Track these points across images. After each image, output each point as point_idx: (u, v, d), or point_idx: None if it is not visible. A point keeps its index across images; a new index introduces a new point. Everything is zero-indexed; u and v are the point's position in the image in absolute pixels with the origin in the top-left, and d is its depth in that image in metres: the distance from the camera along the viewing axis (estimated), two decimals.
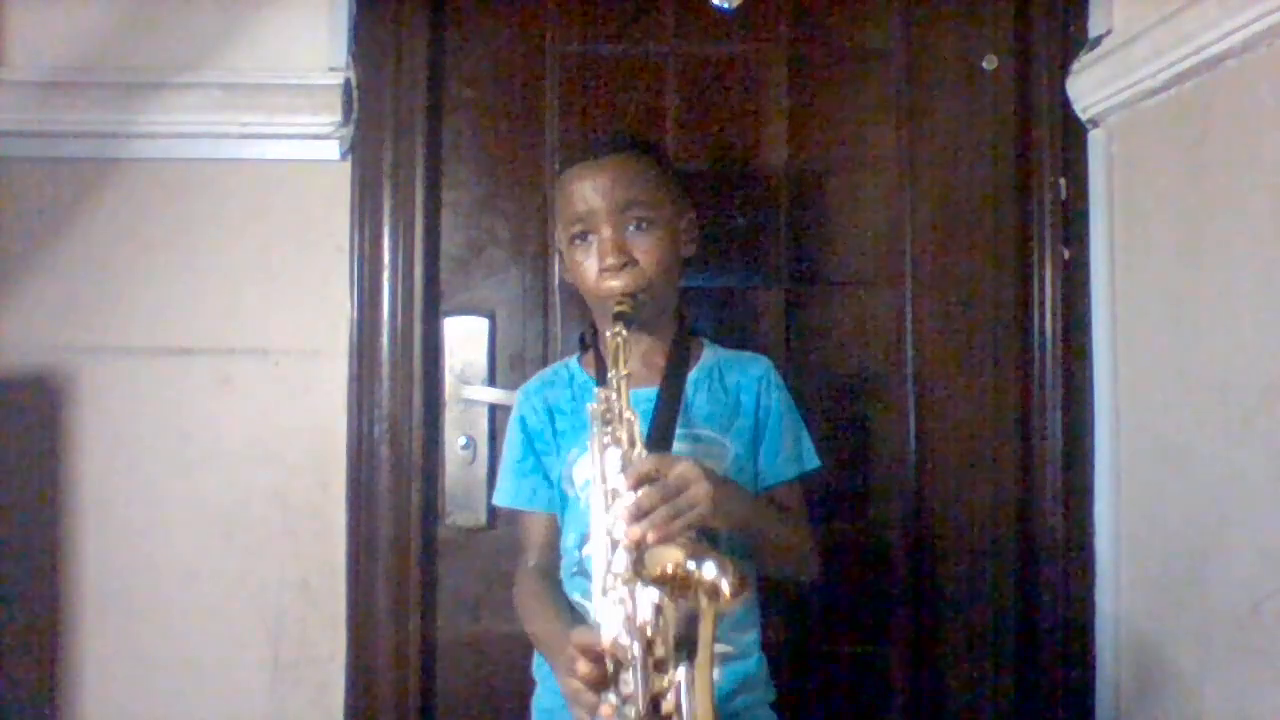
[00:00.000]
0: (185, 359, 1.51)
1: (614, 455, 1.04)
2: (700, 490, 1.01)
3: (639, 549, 0.97)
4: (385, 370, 1.52)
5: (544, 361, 1.53)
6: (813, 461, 1.27)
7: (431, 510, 1.53)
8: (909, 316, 1.56)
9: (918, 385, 1.55)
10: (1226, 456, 1.23)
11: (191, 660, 1.51)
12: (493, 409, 1.54)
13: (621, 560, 0.98)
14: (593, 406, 1.10)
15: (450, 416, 1.54)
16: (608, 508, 1.03)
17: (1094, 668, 1.51)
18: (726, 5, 1.56)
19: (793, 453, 1.25)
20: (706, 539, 1.11)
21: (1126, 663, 1.46)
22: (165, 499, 1.51)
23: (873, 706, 1.55)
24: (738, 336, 1.52)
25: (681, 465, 1.02)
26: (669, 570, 0.93)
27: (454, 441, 1.53)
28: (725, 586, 0.90)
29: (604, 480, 1.05)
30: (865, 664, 1.55)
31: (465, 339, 1.55)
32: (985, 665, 1.54)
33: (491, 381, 1.54)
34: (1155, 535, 1.40)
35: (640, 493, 0.99)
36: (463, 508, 1.53)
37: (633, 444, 1.04)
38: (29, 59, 1.49)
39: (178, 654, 1.50)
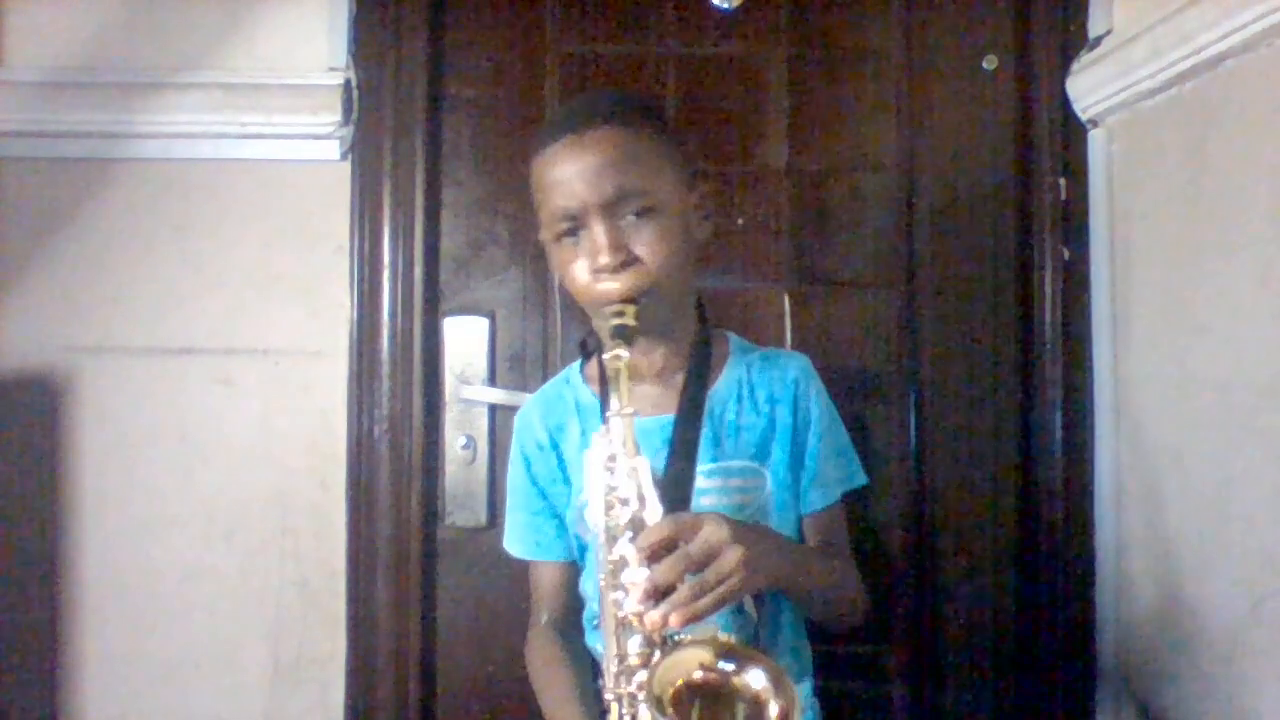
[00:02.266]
0: (185, 359, 1.51)
1: (620, 515, 0.88)
2: (732, 558, 0.84)
3: (660, 637, 0.83)
4: (385, 370, 1.52)
5: (544, 361, 1.53)
6: (859, 478, 1.14)
7: (431, 510, 1.53)
8: (909, 316, 1.56)
9: (918, 385, 1.55)
10: (1226, 456, 1.23)
11: (191, 660, 1.51)
12: (493, 409, 1.54)
13: (636, 649, 0.84)
14: (590, 454, 0.93)
15: (450, 416, 1.54)
16: (615, 581, 0.87)
17: (1094, 668, 1.51)
18: (726, 5, 1.56)
19: (836, 472, 1.11)
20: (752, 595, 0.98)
21: (1126, 663, 1.46)
22: (165, 499, 1.51)
23: (873, 706, 1.54)
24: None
25: (707, 528, 0.85)
26: (695, 676, 0.77)
27: (454, 441, 1.53)
28: (772, 708, 0.74)
29: (609, 547, 0.89)
30: (865, 664, 1.55)
31: (465, 339, 1.55)
32: (985, 665, 1.55)
33: (491, 381, 1.54)
34: (1155, 535, 1.40)
35: (657, 567, 0.83)
36: (463, 508, 1.53)
37: (642, 500, 0.87)
38: (29, 59, 1.49)
39: (178, 654, 1.50)
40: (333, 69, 1.51)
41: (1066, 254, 1.53)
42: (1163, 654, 1.37)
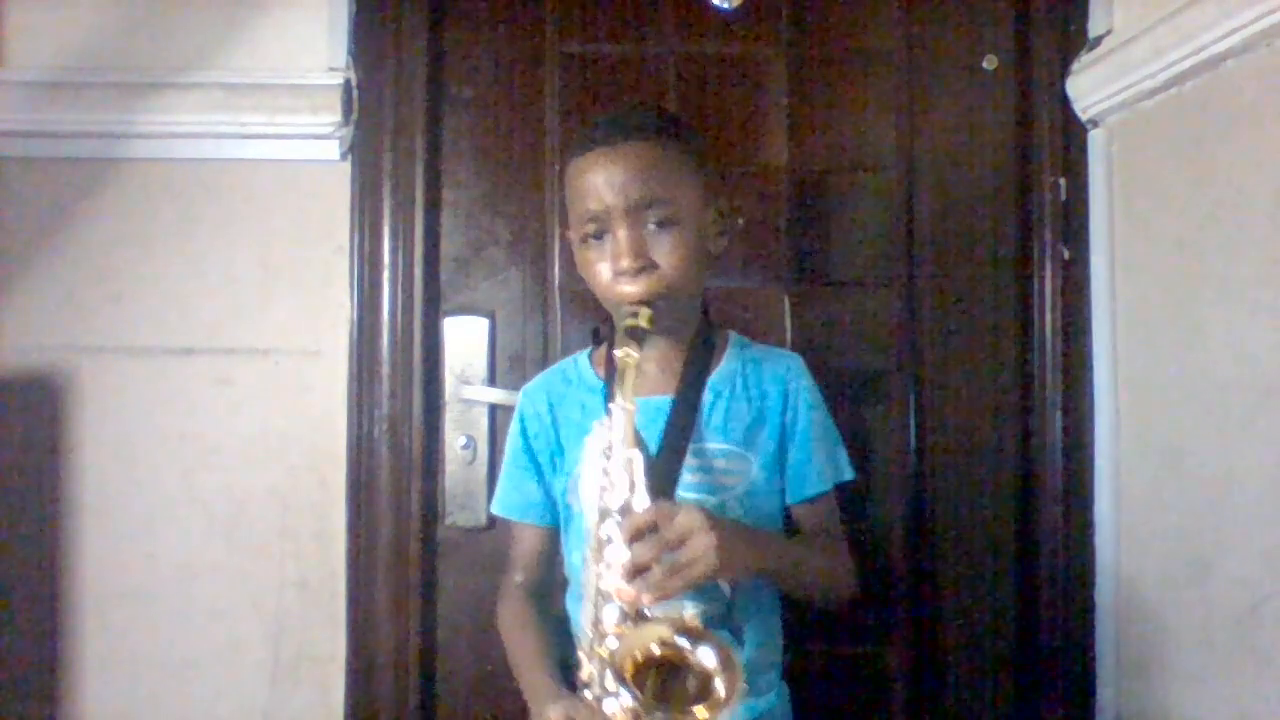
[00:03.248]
0: (185, 359, 1.51)
1: (612, 499, 0.96)
2: (703, 543, 0.92)
3: (635, 611, 0.91)
4: (385, 370, 1.52)
5: (544, 362, 1.53)
6: (847, 473, 1.19)
7: (431, 510, 1.53)
8: (909, 316, 1.56)
9: (918, 385, 1.55)
10: (1226, 456, 1.23)
11: (191, 660, 1.51)
12: (493, 409, 1.54)
13: (612, 617, 0.93)
14: (591, 440, 1.01)
15: (450, 416, 1.54)
16: (599, 558, 0.96)
17: (1094, 668, 1.51)
18: (726, 5, 1.56)
19: (824, 464, 1.16)
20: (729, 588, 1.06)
21: (1126, 663, 1.46)
22: (165, 499, 1.51)
23: (873, 706, 1.55)
24: None
25: (683, 516, 0.93)
26: (654, 651, 0.86)
27: (454, 441, 1.53)
28: (719, 685, 0.84)
29: (598, 525, 0.97)
30: (865, 664, 1.55)
31: (465, 339, 1.55)
32: (985, 665, 1.55)
33: (491, 381, 1.54)
34: (1155, 535, 1.40)
35: (636, 547, 0.92)
36: (463, 508, 1.53)
37: (633, 487, 0.95)
38: (29, 59, 1.49)
39: (178, 654, 1.50)
40: (333, 69, 1.51)
41: (1066, 254, 1.53)
42: (1163, 654, 1.37)
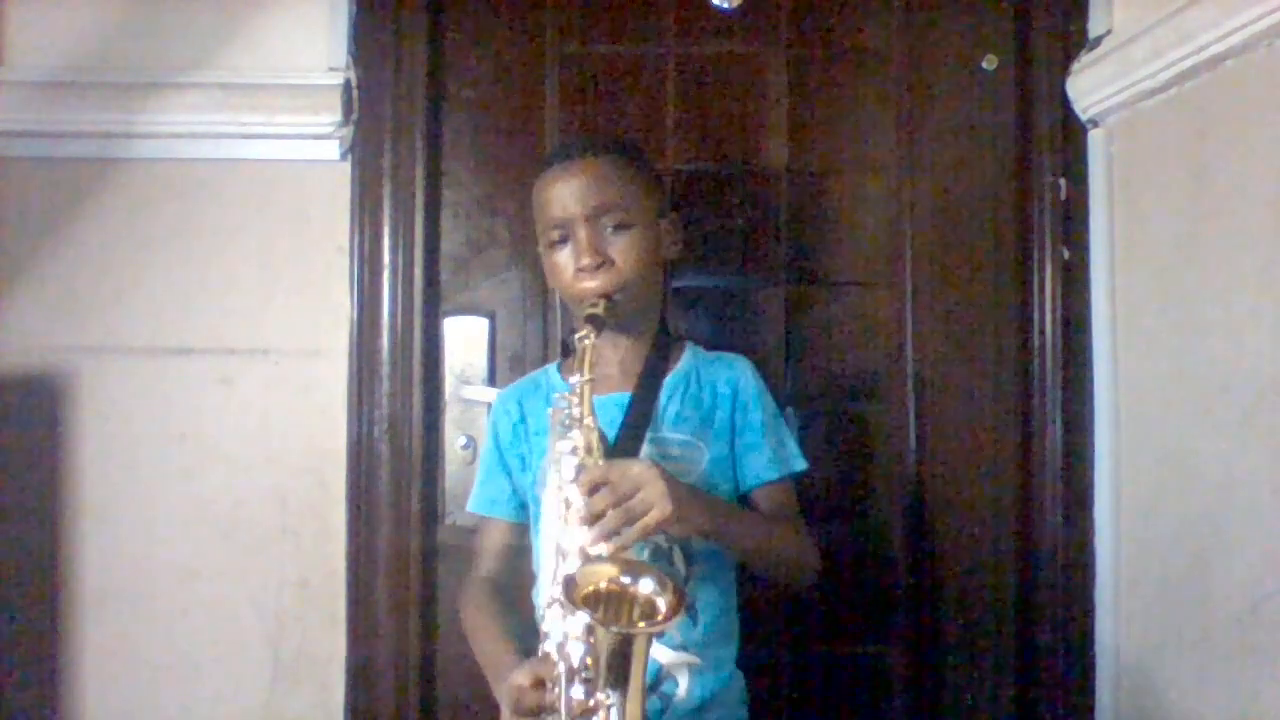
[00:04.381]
0: (185, 359, 1.51)
1: (570, 462, 1.03)
2: (654, 492, 0.99)
3: (588, 556, 0.97)
4: (385, 370, 1.52)
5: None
6: (799, 464, 1.24)
7: (431, 510, 1.53)
8: (909, 316, 1.56)
9: (918, 385, 1.55)
10: (1226, 456, 1.23)
11: (191, 660, 1.51)
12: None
13: (570, 570, 0.97)
14: (553, 411, 1.08)
15: (450, 416, 1.54)
16: (560, 516, 1.02)
17: (1094, 668, 1.51)
18: (726, 5, 1.56)
19: (775, 453, 1.22)
20: (683, 553, 1.12)
21: (1126, 663, 1.46)
22: (165, 499, 1.51)
23: (873, 706, 1.55)
24: (737, 337, 1.52)
25: (636, 468, 1.01)
26: (602, 587, 0.94)
27: (454, 441, 1.53)
28: (662, 604, 0.91)
29: (558, 488, 1.03)
30: (865, 664, 1.55)
31: (465, 339, 1.55)
32: (985, 665, 1.55)
33: (491, 381, 1.54)
34: (1155, 535, 1.40)
35: (592, 499, 0.98)
36: (462, 508, 1.53)
37: (590, 451, 1.03)
38: (29, 59, 1.50)
39: (178, 654, 1.51)
40: (333, 69, 1.51)
41: (1066, 254, 1.53)
42: (1163, 654, 1.37)
